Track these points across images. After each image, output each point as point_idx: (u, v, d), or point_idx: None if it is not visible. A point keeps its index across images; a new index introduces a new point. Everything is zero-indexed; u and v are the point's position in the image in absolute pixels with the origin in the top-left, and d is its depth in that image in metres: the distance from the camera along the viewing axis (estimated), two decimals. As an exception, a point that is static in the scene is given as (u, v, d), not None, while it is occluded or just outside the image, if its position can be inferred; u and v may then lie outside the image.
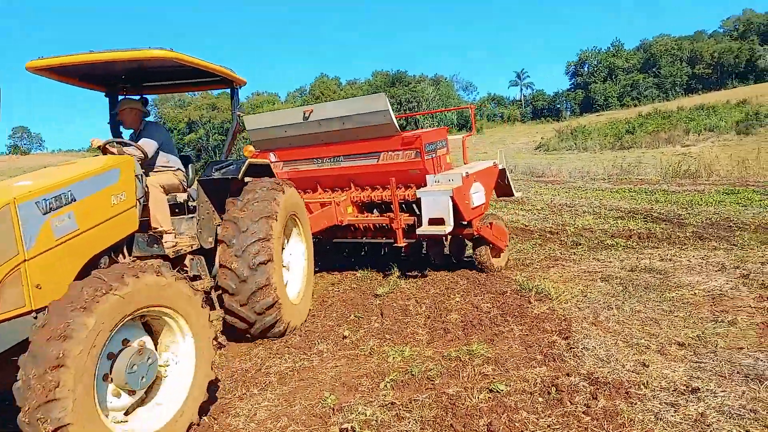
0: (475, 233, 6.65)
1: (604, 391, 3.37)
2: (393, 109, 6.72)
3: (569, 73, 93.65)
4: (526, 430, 3.07)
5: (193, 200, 5.10)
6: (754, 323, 4.39)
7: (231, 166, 5.01)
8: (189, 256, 4.77)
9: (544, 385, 3.53)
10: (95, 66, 4.39)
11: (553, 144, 47.25)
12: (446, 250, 7.62)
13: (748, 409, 3.03)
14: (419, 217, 6.51)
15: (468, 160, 7.81)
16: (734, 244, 7.49)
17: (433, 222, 6.20)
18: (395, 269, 7.14)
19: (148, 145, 4.75)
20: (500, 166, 7.34)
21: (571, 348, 4.14)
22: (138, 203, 3.99)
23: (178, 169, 5.16)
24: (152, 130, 5.00)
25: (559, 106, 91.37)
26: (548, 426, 3.08)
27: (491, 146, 42.19)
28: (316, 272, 7.40)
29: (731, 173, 16.98)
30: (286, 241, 5.60)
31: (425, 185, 6.55)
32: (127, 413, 3.12)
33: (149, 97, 5.62)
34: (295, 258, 5.80)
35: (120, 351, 3.01)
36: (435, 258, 7.42)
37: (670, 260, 6.72)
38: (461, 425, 3.18)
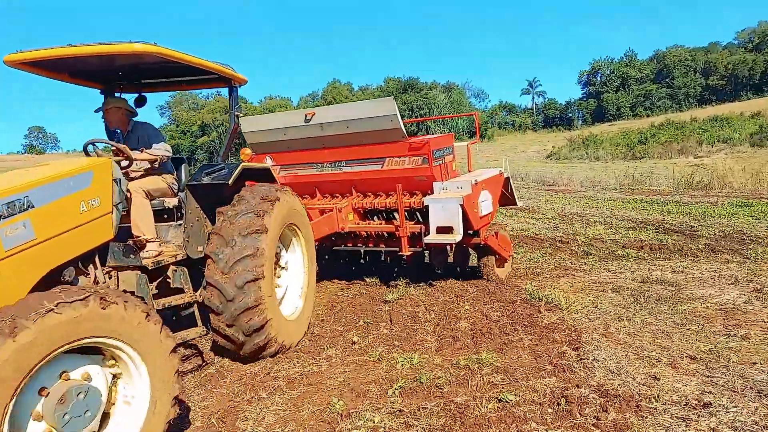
0: (482, 242, 6.57)
1: (615, 403, 3.35)
2: (404, 115, 6.66)
3: (581, 82, 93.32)
4: (535, 441, 3.05)
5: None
6: (767, 338, 4.35)
7: (223, 171, 4.63)
8: (172, 267, 4.38)
9: (554, 396, 3.52)
10: (85, 62, 4.13)
11: (564, 153, 46.99)
12: (449, 259, 7.53)
13: (761, 426, 3.00)
14: (424, 225, 6.38)
15: (472, 167, 7.71)
16: (747, 257, 7.41)
17: (441, 230, 6.05)
18: (403, 276, 7.10)
19: (161, 148, 4.62)
20: (505, 175, 7.22)
21: (581, 359, 4.12)
22: (115, 209, 3.71)
23: (168, 172, 4.82)
24: (144, 131, 4.76)
25: (570, 115, 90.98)
26: (557, 437, 3.07)
27: (502, 154, 41.99)
28: (323, 278, 7.36)
29: (745, 185, 16.80)
30: (284, 251, 5.30)
31: (431, 192, 6.37)
32: None
33: (150, 96, 5.28)
34: (293, 271, 5.40)
35: (53, 385, 2.61)
36: (438, 267, 7.28)
37: (682, 272, 6.67)
38: (469, 434, 3.17)
